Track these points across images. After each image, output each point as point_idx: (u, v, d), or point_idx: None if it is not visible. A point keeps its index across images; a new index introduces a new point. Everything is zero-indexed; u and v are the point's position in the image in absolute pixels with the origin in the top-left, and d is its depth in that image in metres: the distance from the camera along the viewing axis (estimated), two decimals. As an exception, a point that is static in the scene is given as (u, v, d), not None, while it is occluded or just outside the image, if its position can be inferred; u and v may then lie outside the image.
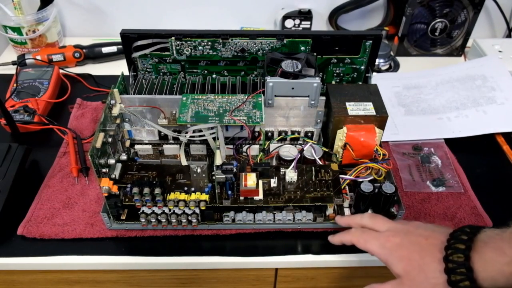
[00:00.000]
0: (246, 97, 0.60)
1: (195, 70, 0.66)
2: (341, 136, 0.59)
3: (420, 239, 0.45)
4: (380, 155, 0.57)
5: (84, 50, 0.92)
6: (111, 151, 0.56)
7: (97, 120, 0.74)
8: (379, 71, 0.92)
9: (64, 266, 0.58)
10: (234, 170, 0.52)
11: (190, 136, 0.57)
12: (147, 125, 0.62)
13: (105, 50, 0.93)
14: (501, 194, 0.65)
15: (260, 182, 0.56)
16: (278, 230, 0.59)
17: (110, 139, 0.55)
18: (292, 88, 0.59)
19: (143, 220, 0.55)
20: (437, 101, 0.81)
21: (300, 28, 0.99)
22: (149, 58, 0.65)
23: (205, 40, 0.62)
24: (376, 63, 0.92)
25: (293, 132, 0.64)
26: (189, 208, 0.54)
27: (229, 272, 0.63)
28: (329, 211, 0.58)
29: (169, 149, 0.63)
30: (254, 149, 0.63)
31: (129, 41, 0.63)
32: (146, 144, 0.64)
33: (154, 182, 0.52)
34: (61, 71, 0.87)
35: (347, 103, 0.59)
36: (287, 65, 0.59)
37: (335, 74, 0.67)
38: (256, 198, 0.55)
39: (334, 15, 0.99)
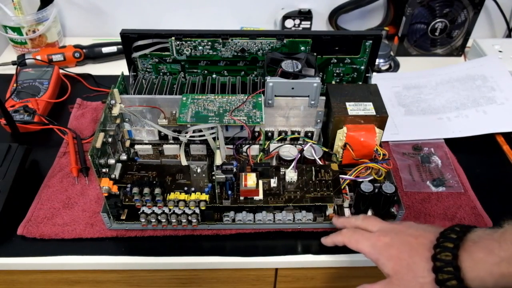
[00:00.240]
0: (246, 97, 0.60)
1: (195, 70, 0.66)
2: (341, 136, 0.59)
3: (410, 238, 0.45)
4: (380, 155, 0.57)
5: (84, 50, 0.92)
6: (111, 151, 0.56)
7: (97, 120, 0.74)
8: (379, 71, 0.92)
9: (64, 266, 0.58)
10: (234, 170, 0.52)
11: (190, 136, 0.57)
12: (147, 125, 0.62)
13: (105, 50, 0.93)
14: (501, 194, 0.65)
15: (260, 182, 0.56)
16: (278, 230, 0.59)
17: (110, 139, 0.55)
18: (292, 88, 0.59)
19: (143, 220, 0.55)
20: (437, 101, 0.81)
21: (300, 28, 0.99)
22: (149, 58, 0.65)
23: (205, 40, 0.62)
24: (376, 63, 0.92)
25: (293, 132, 0.64)
26: (189, 208, 0.54)
27: (229, 272, 0.63)
28: (329, 211, 0.58)
29: (169, 149, 0.63)
30: (254, 149, 0.63)
31: (129, 41, 0.63)
32: (146, 144, 0.64)
33: (154, 182, 0.52)
34: (61, 71, 0.87)
35: (347, 103, 0.59)
36: (287, 65, 0.59)
37: (335, 74, 0.67)
38: (256, 198, 0.55)
39: (334, 15, 0.99)
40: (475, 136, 0.73)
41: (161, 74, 0.66)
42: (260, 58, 0.64)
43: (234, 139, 0.61)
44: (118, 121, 0.59)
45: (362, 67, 0.66)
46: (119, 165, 0.57)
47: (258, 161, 0.61)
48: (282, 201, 0.55)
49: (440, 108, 0.79)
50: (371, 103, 0.59)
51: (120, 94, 0.59)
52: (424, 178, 0.67)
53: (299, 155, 0.60)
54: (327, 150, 0.61)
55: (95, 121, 0.77)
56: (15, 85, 0.80)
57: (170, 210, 0.55)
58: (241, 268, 0.58)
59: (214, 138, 0.56)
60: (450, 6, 0.90)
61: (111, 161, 0.55)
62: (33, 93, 0.78)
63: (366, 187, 0.55)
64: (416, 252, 0.43)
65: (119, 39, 0.63)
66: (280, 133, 0.64)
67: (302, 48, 0.63)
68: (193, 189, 0.54)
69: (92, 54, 0.93)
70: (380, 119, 0.58)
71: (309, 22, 0.98)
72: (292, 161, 0.59)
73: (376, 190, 0.55)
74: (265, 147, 0.63)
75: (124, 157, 0.59)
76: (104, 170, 0.53)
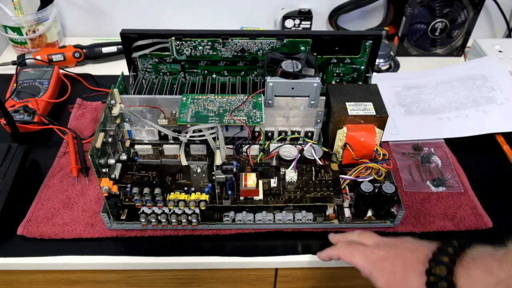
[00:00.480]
0: (246, 97, 0.60)
1: (195, 70, 0.66)
2: (341, 136, 0.59)
3: (405, 252, 0.44)
4: (380, 155, 0.57)
5: (84, 50, 0.92)
6: (111, 151, 0.56)
7: (97, 120, 0.74)
8: (379, 71, 0.92)
9: (64, 266, 0.58)
10: (234, 170, 0.52)
11: (190, 136, 0.57)
12: (147, 125, 0.62)
13: (105, 50, 0.93)
14: (501, 194, 0.65)
15: (260, 182, 0.56)
16: (278, 230, 0.59)
17: (110, 139, 0.55)
18: (292, 88, 0.59)
19: (143, 220, 0.55)
20: (437, 101, 0.81)
21: (300, 28, 0.99)
22: (149, 58, 0.65)
23: (205, 40, 0.62)
24: (376, 63, 0.92)
25: (293, 132, 0.64)
26: (189, 208, 0.54)
27: (229, 272, 0.63)
28: (329, 211, 0.58)
29: (169, 149, 0.63)
30: (254, 149, 0.63)
31: (129, 41, 0.63)
32: (146, 144, 0.64)
33: (154, 182, 0.52)
34: (61, 71, 0.87)
35: (347, 103, 0.59)
36: (287, 65, 0.59)
37: (335, 74, 0.67)
38: (256, 198, 0.55)
39: (334, 15, 0.99)
40: (475, 136, 0.73)
41: (161, 74, 0.66)
42: (260, 58, 0.64)
43: (234, 139, 0.61)
44: (118, 121, 0.59)
45: (362, 67, 0.66)
46: (119, 165, 0.57)
47: (258, 161, 0.61)
48: (282, 201, 0.55)
49: (440, 108, 0.79)
50: (371, 103, 0.59)
51: (120, 94, 0.59)
52: (424, 178, 0.67)
53: (299, 155, 0.60)
54: (327, 150, 0.61)
55: (95, 121, 0.77)
56: (15, 85, 0.80)
57: (170, 210, 0.55)
58: (241, 268, 0.58)
59: (214, 138, 0.56)
60: (450, 6, 0.90)
61: (111, 161, 0.55)
62: (33, 93, 0.78)
63: (366, 187, 0.55)
64: (410, 266, 0.42)
65: (119, 39, 0.63)
66: (280, 133, 0.64)
67: (302, 48, 0.63)
68: (193, 189, 0.54)
69: (92, 54, 0.93)
70: (380, 119, 0.58)
71: (309, 22, 0.98)
72: (292, 161, 0.59)
73: (376, 190, 0.55)
74: (265, 147, 0.63)
75: (124, 157, 0.59)
76: (104, 170, 0.53)
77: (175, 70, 0.66)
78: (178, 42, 0.62)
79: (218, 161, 0.51)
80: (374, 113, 0.58)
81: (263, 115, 0.57)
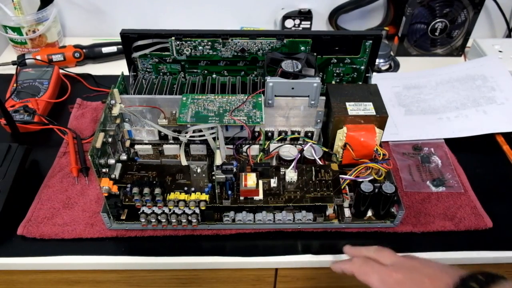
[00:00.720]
0: (246, 97, 0.60)
1: (195, 70, 0.66)
2: (341, 136, 0.59)
3: (424, 279, 0.41)
4: (380, 155, 0.57)
5: (84, 50, 0.92)
6: (111, 151, 0.56)
7: (97, 120, 0.74)
8: (379, 71, 0.92)
9: (64, 266, 0.58)
10: (234, 170, 0.52)
11: (190, 136, 0.57)
12: (147, 125, 0.62)
13: (105, 50, 0.93)
14: (501, 194, 0.65)
15: (260, 182, 0.56)
16: (278, 230, 0.59)
17: (110, 139, 0.55)
18: (292, 88, 0.59)
19: (143, 220, 0.55)
20: (437, 101, 0.81)
21: (300, 28, 0.99)
22: (149, 58, 0.65)
23: (205, 40, 0.62)
24: (376, 63, 0.92)
25: (293, 132, 0.64)
26: (189, 208, 0.54)
27: (229, 272, 0.63)
28: (329, 211, 0.58)
29: (169, 149, 0.63)
30: (254, 149, 0.63)
31: (129, 41, 0.63)
32: (146, 144, 0.64)
33: (154, 182, 0.52)
34: (61, 71, 0.87)
35: (347, 103, 0.59)
36: (287, 65, 0.59)
37: (335, 74, 0.67)
38: (256, 198, 0.55)
39: (334, 15, 0.99)
40: (475, 136, 0.73)
41: (161, 74, 0.66)
42: (260, 58, 0.64)
43: (234, 139, 0.61)
44: (118, 121, 0.59)
45: (362, 67, 0.66)
46: (119, 165, 0.57)
47: (258, 161, 0.61)
48: (282, 201, 0.55)
49: (440, 108, 0.79)
50: (371, 103, 0.59)
51: (120, 94, 0.59)
52: (424, 178, 0.67)
53: (299, 155, 0.60)
54: (327, 150, 0.61)
55: (95, 121, 0.77)
56: (15, 85, 0.80)
57: (170, 210, 0.55)
58: (241, 268, 0.58)
59: (214, 138, 0.56)
60: (450, 6, 0.90)
61: (111, 161, 0.55)
62: (33, 93, 0.78)
63: (366, 187, 0.55)
64: None
65: (119, 39, 0.63)
66: (280, 133, 0.64)
67: (302, 48, 0.63)
68: (193, 189, 0.54)
69: (92, 54, 0.93)
70: (380, 119, 0.58)
71: (309, 22, 0.98)
72: (292, 161, 0.59)
73: (376, 190, 0.55)
74: (265, 147, 0.63)
75: (124, 157, 0.59)
76: (104, 170, 0.53)
77: (175, 70, 0.66)
78: (178, 42, 0.62)
79: (218, 161, 0.51)
80: (374, 113, 0.58)
81: (263, 115, 0.57)
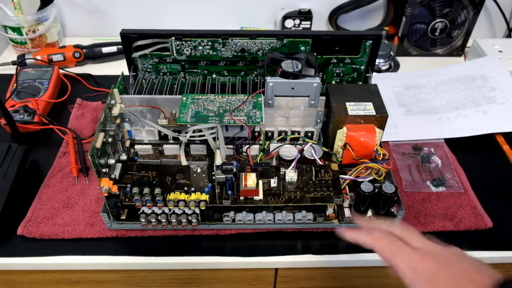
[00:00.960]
0: (246, 97, 0.60)
1: (195, 70, 0.66)
2: (341, 136, 0.59)
3: (461, 275, 0.38)
4: (380, 155, 0.57)
5: (84, 50, 0.92)
6: (111, 151, 0.56)
7: (97, 120, 0.74)
8: (379, 71, 0.92)
9: (64, 266, 0.58)
10: (234, 170, 0.52)
11: (190, 136, 0.57)
12: (147, 125, 0.62)
13: (105, 50, 0.93)
14: (501, 194, 0.65)
15: (260, 182, 0.56)
16: (278, 230, 0.59)
17: (110, 139, 0.55)
18: (292, 88, 0.59)
19: (143, 220, 0.55)
20: (437, 101, 0.81)
21: (300, 28, 0.99)
22: (149, 58, 0.65)
23: (205, 40, 0.62)
24: (376, 63, 0.92)
25: (293, 132, 0.64)
26: (189, 208, 0.54)
27: (229, 272, 0.63)
28: (329, 211, 0.58)
29: (169, 149, 0.63)
30: (254, 149, 0.63)
31: (129, 41, 0.63)
32: (146, 144, 0.64)
33: (154, 182, 0.52)
34: (61, 71, 0.87)
35: (347, 103, 0.59)
36: (287, 65, 0.59)
37: (335, 74, 0.67)
38: (256, 198, 0.55)
39: (334, 15, 0.99)
40: (475, 136, 0.73)
41: (161, 74, 0.66)
42: (260, 58, 0.64)
43: (234, 139, 0.61)
44: (118, 121, 0.59)
45: (362, 67, 0.66)
46: (119, 165, 0.57)
47: (258, 161, 0.61)
48: (282, 201, 0.55)
49: (440, 108, 0.79)
50: (371, 103, 0.59)
51: (120, 94, 0.59)
52: (424, 178, 0.67)
53: (299, 155, 0.60)
54: (327, 150, 0.61)
55: (95, 121, 0.77)
56: (15, 85, 0.80)
57: (170, 210, 0.55)
58: (241, 268, 0.58)
59: (214, 138, 0.56)
60: (450, 6, 0.90)
61: (111, 161, 0.55)
62: (33, 93, 0.78)
63: (366, 187, 0.55)
64: None
65: (119, 39, 0.63)
66: (280, 133, 0.64)
67: (302, 48, 0.63)
68: (193, 189, 0.54)
69: (92, 54, 0.93)
70: (380, 119, 0.58)
71: (309, 22, 0.98)
72: (292, 161, 0.59)
73: (376, 190, 0.55)
74: (265, 147, 0.63)
75: (124, 157, 0.59)
76: (104, 170, 0.53)
77: (175, 70, 0.66)
78: (178, 42, 0.62)
79: (218, 161, 0.51)
80: (374, 113, 0.58)
81: (263, 115, 0.57)
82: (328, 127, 0.61)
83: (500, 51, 0.91)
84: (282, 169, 0.58)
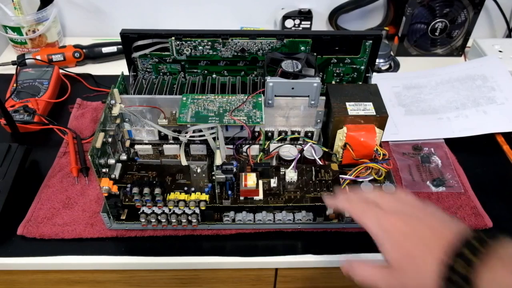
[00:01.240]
0: (246, 97, 0.60)
1: (195, 70, 0.66)
2: (341, 136, 0.59)
3: (426, 231, 0.38)
4: (380, 155, 0.57)
5: (84, 50, 0.92)
6: (111, 151, 0.56)
7: (97, 120, 0.74)
8: (379, 71, 0.92)
9: (64, 266, 0.58)
10: (234, 170, 0.52)
11: (190, 136, 0.57)
12: (147, 125, 0.62)
13: (105, 50, 0.93)
14: (501, 194, 0.65)
15: (260, 182, 0.56)
16: (278, 230, 0.59)
17: (110, 139, 0.55)
18: (292, 88, 0.59)
19: (143, 220, 0.55)
20: (437, 101, 0.81)
21: (300, 28, 0.99)
22: (149, 58, 0.65)
23: (205, 40, 0.62)
24: (376, 63, 0.92)
25: (293, 132, 0.64)
26: (189, 208, 0.54)
27: (229, 272, 0.63)
28: (329, 211, 0.58)
29: (169, 149, 0.63)
30: (254, 149, 0.63)
31: (129, 41, 0.63)
32: (146, 144, 0.64)
33: (154, 182, 0.52)
34: (61, 71, 0.87)
35: (347, 103, 0.59)
36: (287, 65, 0.59)
37: (335, 74, 0.67)
38: (256, 198, 0.55)
39: (334, 15, 0.99)
40: (475, 136, 0.73)
41: (161, 74, 0.66)
42: (260, 58, 0.64)
43: (234, 139, 0.61)
44: (118, 121, 0.59)
45: (362, 67, 0.66)
46: (119, 165, 0.57)
47: (258, 161, 0.61)
48: (282, 201, 0.55)
49: (440, 108, 0.79)
50: (371, 103, 0.59)
51: (120, 94, 0.59)
52: (424, 178, 0.67)
53: (299, 155, 0.60)
54: (327, 150, 0.61)
55: (95, 121, 0.77)
56: (15, 85, 0.80)
57: (170, 210, 0.55)
58: (241, 268, 0.58)
59: (214, 138, 0.56)
60: (450, 6, 0.90)
61: (111, 161, 0.55)
62: (33, 93, 0.78)
63: (366, 187, 0.55)
64: (430, 252, 0.37)
65: (119, 39, 0.63)
66: (280, 133, 0.64)
67: (302, 48, 0.63)
68: (193, 189, 0.54)
69: (92, 54, 0.93)
70: (380, 119, 0.58)
71: (309, 22, 0.98)
72: (292, 161, 0.59)
73: (376, 190, 0.55)
74: (265, 147, 0.63)
75: (124, 157, 0.59)
76: (104, 170, 0.53)
77: (175, 70, 0.66)
78: (178, 42, 0.62)
79: (218, 161, 0.51)
80: (374, 113, 0.58)
81: (263, 115, 0.57)
82: (328, 127, 0.61)
83: (500, 51, 0.91)
84: (282, 169, 0.58)
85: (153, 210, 0.54)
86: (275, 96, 0.59)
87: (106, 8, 1.00)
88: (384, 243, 0.40)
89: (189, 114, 0.57)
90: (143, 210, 0.55)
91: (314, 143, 0.62)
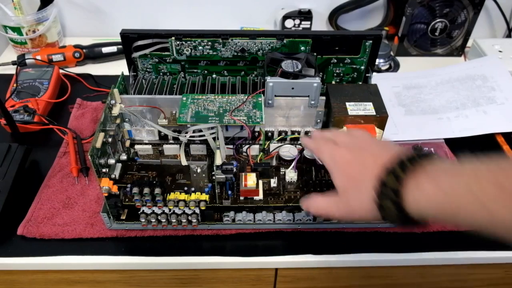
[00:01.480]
0: (246, 97, 0.60)
1: (195, 70, 0.66)
2: (341, 136, 0.58)
3: (368, 157, 0.43)
4: (380, 155, 0.57)
5: (84, 50, 0.92)
6: (111, 151, 0.56)
7: (97, 120, 0.74)
8: (379, 71, 0.92)
9: (64, 266, 0.58)
10: (234, 170, 0.52)
11: (190, 136, 0.57)
12: (147, 125, 0.62)
13: (105, 50, 0.93)
14: (501, 194, 0.65)
15: (260, 182, 0.56)
16: (278, 230, 0.59)
17: (110, 139, 0.55)
18: (292, 88, 0.59)
19: (143, 220, 0.55)
20: (437, 101, 0.81)
21: (300, 28, 0.99)
22: (149, 58, 0.65)
23: (205, 40, 0.62)
24: (376, 63, 0.92)
25: (293, 132, 0.64)
26: (189, 208, 0.54)
27: (229, 272, 0.63)
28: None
29: (169, 149, 0.63)
30: (254, 149, 0.63)
31: (129, 41, 0.63)
32: (146, 144, 0.64)
33: (154, 182, 0.52)
34: (61, 71, 0.87)
35: (347, 103, 0.59)
36: (287, 65, 0.59)
37: (335, 74, 0.67)
38: (256, 198, 0.55)
39: (334, 15, 0.99)
40: (475, 136, 0.73)
41: (161, 74, 0.66)
42: (260, 58, 0.64)
43: (234, 139, 0.61)
44: (118, 121, 0.59)
45: (362, 67, 0.66)
46: (119, 165, 0.57)
47: (258, 161, 0.61)
48: (282, 201, 0.55)
49: (440, 108, 0.79)
50: (371, 103, 0.59)
51: (120, 94, 0.59)
52: (424, 178, 0.67)
53: (299, 155, 0.60)
54: (327, 150, 0.61)
55: (95, 121, 0.77)
56: (15, 85, 0.80)
57: (170, 210, 0.55)
58: (241, 268, 0.58)
59: (214, 138, 0.56)
60: (450, 6, 0.90)
61: (111, 161, 0.55)
62: (33, 93, 0.78)
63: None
64: (367, 172, 0.41)
65: (119, 39, 0.62)
66: (280, 133, 0.64)
67: (302, 48, 0.63)
68: (193, 189, 0.54)
69: (92, 54, 0.93)
70: (380, 119, 0.58)
71: (309, 22, 0.98)
72: (292, 161, 0.59)
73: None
74: (265, 147, 0.63)
75: (124, 157, 0.59)
76: (104, 170, 0.53)
77: (175, 70, 0.66)
78: (178, 42, 0.62)
79: (218, 161, 0.51)
80: (374, 113, 0.58)
81: (263, 115, 0.57)
82: (328, 127, 0.61)
83: (500, 51, 0.91)
84: (282, 169, 0.58)
85: (153, 210, 0.54)
86: (275, 96, 0.59)
87: (106, 8, 1.00)
88: (333, 172, 0.46)
89: (189, 114, 0.57)
90: (143, 210, 0.55)
91: (314, 143, 0.62)
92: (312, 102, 0.60)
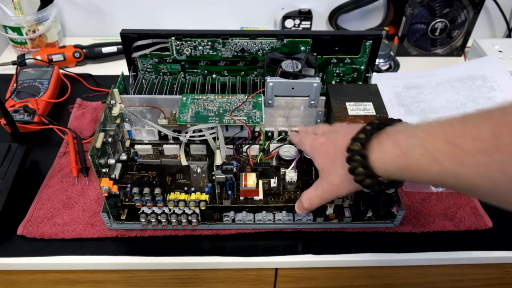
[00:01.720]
0: (246, 97, 0.60)
1: (195, 70, 0.66)
2: (341, 136, 0.58)
3: (340, 136, 0.46)
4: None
5: (84, 50, 0.92)
6: (111, 151, 0.56)
7: (97, 120, 0.74)
8: (379, 71, 0.92)
9: (64, 266, 0.58)
10: (234, 170, 0.52)
11: (190, 136, 0.57)
12: (147, 125, 0.62)
13: (105, 50, 0.93)
14: (501, 194, 0.65)
15: (260, 182, 0.56)
16: (278, 230, 0.59)
17: (110, 139, 0.55)
18: (292, 88, 0.59)
19: (143, 220, 0.55)
20: (437, 101, 0.81)
21: (300, 28, 0.99)
22: (149, 58, 0.65)
23: (205, 40, 0.62)
24: (376, 63, 0.92)
25: (293, 132, 0.64)
26: (189, 208, 0.54)
27: (229, 272, 0.63)
28: (329, 211, 0.58)
29: (169, 149, 0.63)
30: (254, 149, 0.63)
31: (129, 41, 0.63)
32: (146, 144, 0.64)
33: (154, 182, 0.52)
34: (61, 71, 0.87)
35: (347, 103, 0.59)
36: (287, 65, 0.59)
37: (335, 74, 0.67)
38: (256, 198, 0.55)
39: (334, 15, 0.99)
40: (475, 136, 0.73)
41: (161, 74, 0.66)
42: (260, 58, 0.64)
43: (234, 139, 0.61)
44: (118, 121, 0.59)
45: (362, 67, 0.66)
46: (119, 165, 0.57)
47: (258, 161, 0.61)
48: (282, 201, 0.55)
49: (440, 108, 0.79)
50: (371, 103, 0.59)
51: (120, 94, 0.59)
52: (424, 178, 0.67)
53: (299, 155, 0.60)
54: (327, 150, 0.61)
55: (95, 121, 0.77)
56: (15, 85, 0.80)
57: (170, 210, 0.55)
58: (241, 268, 0.58)
59: (214, 138, 0.56)
60: (450, 6, 0.90)
61: (111, 161, 0.55)
62: (33, 93, 0.78)
63: (366, 187, 0.54)
64: (340, 147, 0.44)
65: (119, 39, 0.63)
66: (280, 133, 0.64)
67: (302, 48, 0.63)
68: (193, 189, 0.54)
69: (92, 54, 0.93)
70: (380, 119, 0.58)
71: (309, 22, 0.98)
72: (292, 161, 0.59)
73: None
74: (265, 147, 0.63)
75: (124, 157, 0.59)
76: (104, 170, 0.53)
77: (175, 70, 0.66)
78: (178, 42, 0.62)
79: (218, 161, 0.51)
80: (374, 113, 0.58)
81: (263, 115, 0.57)
82: (328, 127, 0.61)
83: (500, 51, 0.91)
84: (282, 169, 0.58)
85: (153, 210, 0.54)
86: (275, 96, 0.59)
87: (106, 8, 1.00)
88: (314, 156, 0.49)
89: (189, 114, 0.57)
90: (143, 210, 0.55)
91: (314, 143, 0.62)
92: (312, 102, 0.60)
